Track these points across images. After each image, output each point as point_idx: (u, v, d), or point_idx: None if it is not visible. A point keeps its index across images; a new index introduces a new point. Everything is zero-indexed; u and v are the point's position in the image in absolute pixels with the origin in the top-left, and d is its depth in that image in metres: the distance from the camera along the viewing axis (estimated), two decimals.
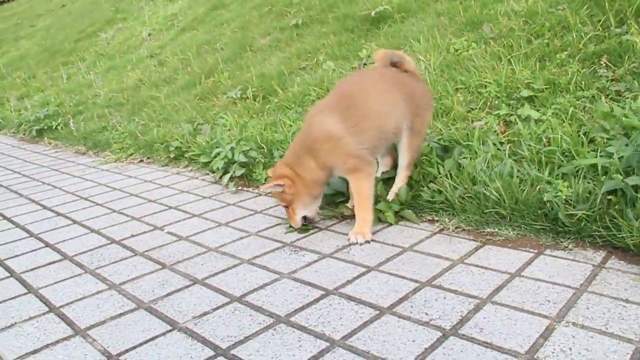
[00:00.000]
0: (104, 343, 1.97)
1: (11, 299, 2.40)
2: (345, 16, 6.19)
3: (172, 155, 4.74)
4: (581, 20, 4.06)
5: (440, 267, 2.32)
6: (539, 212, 2.53)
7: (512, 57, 3.96)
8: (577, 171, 2.63)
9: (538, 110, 3.36)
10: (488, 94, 3.70)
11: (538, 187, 2.58)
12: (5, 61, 12.71)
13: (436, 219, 2.82)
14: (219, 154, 3.97)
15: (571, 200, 2.45)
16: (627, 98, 3.17)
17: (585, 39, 3.82)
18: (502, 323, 1.85)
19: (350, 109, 2.76)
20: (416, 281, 2.22)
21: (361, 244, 2.65)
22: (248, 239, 2.87)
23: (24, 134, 7.23)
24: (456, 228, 2.70)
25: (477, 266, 2.30)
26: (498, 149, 3.05)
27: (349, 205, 3.02)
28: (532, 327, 1.81)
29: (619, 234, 2.25)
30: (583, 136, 2.90)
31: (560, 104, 3.31)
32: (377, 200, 2.90)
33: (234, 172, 3.84)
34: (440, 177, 2.93)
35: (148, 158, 5.02)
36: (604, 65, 3.55)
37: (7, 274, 2.67)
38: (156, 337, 1.98)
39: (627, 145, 2.55)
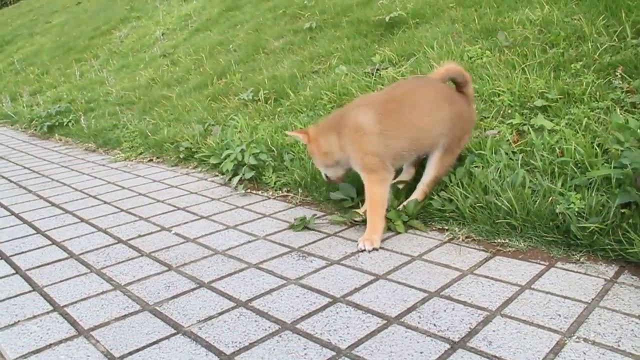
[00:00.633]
0: (107, 345, 1.95)
1: (16, 296, 2.38)
2: (359, 21, 6.16)
3: (181, 156, 4.73)
4: (597, 31, 4.02)
5: (449, 277, 2.29)
6: (550, 223, 2.50)
7: (526, 66, 3.93)
8: (591, 183, 2.60)
9: (552, 121, 3.32)
10: (501, 103, 3.67)
11: (550, 198, 2.55)
12: (20, 56, 12.77)
13: (446, 228, 2.79)
14: (229, 155, 3.95)
15: (584, 213, 2.42)
16: None
17: (601, 50, 3.78)
18: (511, 336, 1.82)
19: (392, 113, 2.79)
20: (425, 291, 2.19)
21: (369, 251, 2.62)
22: (256, 243, 2.84)
23: (35, 130, 7.25)
24: (466, 238, 2.67)
25: (487, 277, 2.26)
26: (510, 158, 3.01)
27: (359, 211, 3.00)
28: (542, 342, 1.77)
29: (631, 248, 2.21)
30: (597, 148, 2.86)
31: (575, 115, 3.27)
32: (387, 209, 2.88)
33: (243, 174, 3.82)
34: (452, 185, 2.90)
35: (158, 158, 5.02)
36: (620, 76, 3.50)
37: (13, 271, 2.66)
38: (160, 340, 1.96)
39: None
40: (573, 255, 2.37)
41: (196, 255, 2.73)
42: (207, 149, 4.43)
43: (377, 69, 4.81)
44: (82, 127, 6.45)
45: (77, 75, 9.22)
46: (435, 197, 2.92)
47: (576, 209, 2.42)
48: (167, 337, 1.97)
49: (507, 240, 2.56)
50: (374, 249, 2.64)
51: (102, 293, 2.37)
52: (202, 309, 2.17)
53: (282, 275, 2.43)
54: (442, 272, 2.34)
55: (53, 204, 3.79)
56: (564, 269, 2.28)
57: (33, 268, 2.68)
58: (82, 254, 2.84)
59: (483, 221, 2.68)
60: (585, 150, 2.82)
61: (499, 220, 2.62)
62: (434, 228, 2.84)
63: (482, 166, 2.98)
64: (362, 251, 2.63)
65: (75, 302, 2.30)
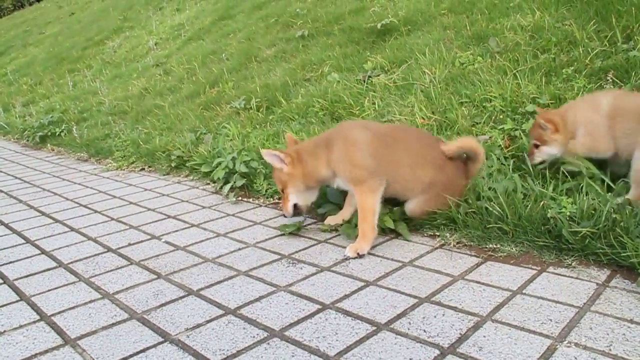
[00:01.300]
0: (94, 354, 1.92)
1: (2, 306, 2.35)
2: (351, 28, 6.16)
3: (173, 164, 4.71)
4: (588, 36, 4.02)
5: (440, 282, 2.27)
6: (542, 228, 2.48)
7: (517, 71, 3.93)
8: (582, 187, 2.59)
9: None
10: (493, 108, 3.66)
11: (542, 202, 2.53)
12: (13, 67, 12.76)
13: (437, 234, 2.77)
14: (220, 163, 3.93)
15: (575, 217, 2.40)
16: None
17: (592, 55, 3.78)
18: (502, 342, 1.80)
19: (385, 145, 2.80)
20: (415, 297, 2.16)
21: (353, 258, 2.61)
22: (246, 250, 2.82)
23: (27, 140, 7.23)
24: (457, 243, 2.65)
25: (478, 282, 2.24)
26: (502, 163, 3.00)
27: (329, 222, 3.05)
28: (533, 347, 1.75)
29: (624, 252, 2.20)
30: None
31: None
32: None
33: (234, 182, 3.80)
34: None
35: (149, 167, 4.99)
36: (611, 80, 3.51)
37: (0, 281, 2.63)
38: (147, 348, 1.93)
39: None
40: (565, 259, 2.36)
41: (186, 263, 2.70)
42: (198, 158, 4.41)
43: (369, 76, 4.80)
44: (74, 137, 6.43)
45: (70, 85, 9.20)
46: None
47: (568, 213, 2.41)
48: (154, 346, 1.95)
49: (498, 245, 2.54)
50: (359, 256, 2.63)
51: (90, 302, 2.34)
52: (190, 316, 2.15)
53: (271, 282, 2.41)
54: (433, 278, 2.32)
55: (43, 214, 3.75)
56: (555, 274, 2.26)
57: (21, 278, 2.65)
58: (71, 262, 2.81)
59: (474, 226, 2.66)
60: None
61: (491, 225, 2.61)
62: (425, 234, 2.82)
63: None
64: (348, 258, 2.61)
65: (63, 311, 2.27)
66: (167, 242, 3.02)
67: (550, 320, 1.91)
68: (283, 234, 3.00)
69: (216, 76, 6.59)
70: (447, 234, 2.72)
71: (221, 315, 2.14)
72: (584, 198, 2.46)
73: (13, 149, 7.00)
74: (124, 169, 5.06)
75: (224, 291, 2.35)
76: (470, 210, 2.72)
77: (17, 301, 2.39)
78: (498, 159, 3.03)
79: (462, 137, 3.03)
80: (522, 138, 3.23)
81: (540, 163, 2.95)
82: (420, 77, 4.41)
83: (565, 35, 4.16)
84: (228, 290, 2.36)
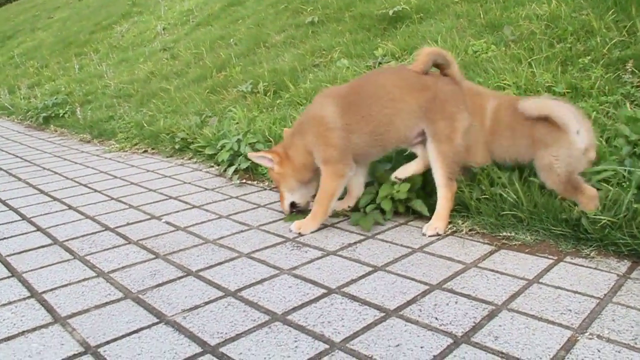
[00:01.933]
0: (84, 333, 1.81)
1: None
2: (362, 15, 6.04)
3: (177, 147, 4.60)
4: (606, 26, 3.90)
5: (451, 270, 2.16)
6: (559, 216, 2.37)
7: (532, 60, 3.81)
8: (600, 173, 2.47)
9: None
10: None
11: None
12: (21, 51, 12.67)
13: (449, 220, 2.65)
14: (224, 145, 3.82)
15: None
16: None
17: (610, 44, 3.66)
18: (519, 332, 1.68)
19: (352, 106, 2.64)
20: (426, 283, 2.05)
21: (294, 236, 2.62)
22: (249, 233, 2.71)
23: (31, 121, 7.15)
24: (470, 230, 2.54)
25: (492, 271, 2.13)
26: None
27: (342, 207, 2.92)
28: (553, 338, 1.64)
29: None
30: (605, 142, 2.73)
31: (583, 109, 3.14)
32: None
33: (239, 164, 3.69)
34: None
35: (153, 149, 4.89)
36: (630, 71, 3.38)
37: None
38: (141, 329, 1.82)
39: None
40: (583, 249, 2.24)
41: (186, 244, 2.59)
42: (203, 140, 4.30)
43: (380, 63, 4.68)
44: (77, 119, 6.33)
45: (77, 68, 9.10)
46: None
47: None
48: (149, 327, 1.84)
49: (512, 234, 2.42)
50: (300, 235, 2.62)
51: (84, 280, 2.24)
52: (187, 297, 2.04)
53: (274, 265, 2.30)
54: (444, 265, 2.21)
55: (42, 192, 3.65)
56: (573, 264, 2.14)
57: (14, 254, 2.55)
58: (67, 240, 2.70)
59: (488, 214, 2.55)
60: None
61: (505, 213, 2.49)
62: None
63: None
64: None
65: (55, 288, 2.16)
66: (167, 223, 2.92)
67: (570, 310, 1.80)
68: (286, 217, 2.89)
69: (224, 61, 6.48)
70: (459, 221, 2.60)
71: (220, 297, 2.03)
72: (606, 187, 2.34)
73: (16, 129, 6.91)
74: (126, 151, 4.96)
75: (224, 273, 2.24)
76: (483, 196, 2.60)
77: (8, 277, 2.29)
78: None
79: (423, 49, 2.71)
80: None
81: None
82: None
83: (582, 25, 4.03)
84: (229, 271, 2.25)
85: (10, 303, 2.05)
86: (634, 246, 2.14)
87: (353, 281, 2.10)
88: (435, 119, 2.58)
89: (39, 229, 2.90)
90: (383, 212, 2.75)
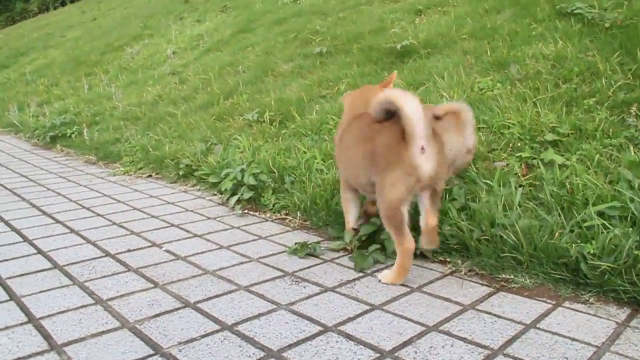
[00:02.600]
0: None
1: None
2: (371, 48, 6.10)
3: (181, 173, 4.63)
4: (611, 68, 3.93)
5: (449, 311, 2.16)
6: (558, 260, 2.37)
7: (537, 99, 3.83)
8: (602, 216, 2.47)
9: (562, 155, 3.20)
10: (511, 135, 3.56)
11: (557, 233, 2.42)
12: (32, 68, 12.80)
13: (448, 260, 2.66)
14: (228, 174, 3.85)
15: (595, 251, 2.29)
16: None
17: (615, 87, 3.69)
18: None
19: (343, 137, 2.80)
20: (423, 324, 2.05)
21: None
22: (248, 265, 2.72)
23: (38, 139, 7.19)
24: (469, 271, 2.54)
25: (490, 314, 2.13)
26: (522, 192, 2.89)
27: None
28: None
29: None
30: (608, 185, 2.74)
31: (586, 151, 3.16)
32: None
33: (242, 194, 3.70)
34: (455, 220, 2.76)
35: (157, 173, 4.91)
36: (634, 114, 3.40)
37: None
38: None
39: None
40: (582, 295, 2.24)
41: (185, 274, 2.60)
42: (207, 167, 4.32)
43: None
44: (84, 139, 6.38)
45: (86, 88, 9.18)
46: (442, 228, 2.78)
47: (591, 251, 2.29)
48: (144, 358, 1.84)
49: (512, 276, 2.43)
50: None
51: (82, 307, 2.24)
52: (184, 329, 2.04)
53: (272, 299, 2.30)
54: (442, 306, 2.21)
55: (45, 213, 3.67)
56: (572, 309, 2.14)
57: (14, 277, 2.56)
58: (67, 265, 2.71)
59: (488, 255, 2.55)
60: (596, 186, 2.69)
61: (505, 255, 2.49)
62: (435, 259, 2.71)
63: (489, 198, 2.85)
64: (354, 279, 2.50)
65: (53, 314, 2.17)
66: (167, 251, 2.92)
67: (566, 358, 1.79)
68: (294, 251, 2.87)
69: (231, 88, 6.53)
70: (459, 261, 2.61)
71: (217, 331, 2.03)
72: (605, 232, 2.34)
73: (23, 147, 6.96)
74: (131, 174, 4.99)
75: (222, 305, 2.25)
76: (483, 237, 2.61)
77: (6, 301, 2.30)
78: (515, 187, 2.92)
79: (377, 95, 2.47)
80: (540, 167, 3.12)
81: None
82: (437, 100, 4.31)
83: (588, 66, 4.07)
84: (226, 304, 2.26)
85: (7, 328, 2.06)
86: (633, 293, 2.14)
87: (350, 319, 2.10)
88: (373, 172, 2.47)
89: (39, 251, 2.91)
90: (384, 248, 2.75)
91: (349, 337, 1.97)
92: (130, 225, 3.40)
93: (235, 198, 3.71)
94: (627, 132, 3.28)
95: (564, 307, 2.17)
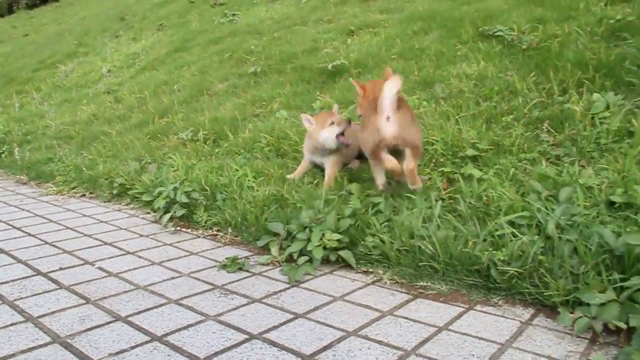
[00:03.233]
0: None
1: None
2: (303, 67, 6.27)
3: (115, 192, 4.64)
4: (528, 87, 4.20)
5: (368, 317, 2.29)
6: (472, 267, 2.54)
7: (460, 117, 4.05)
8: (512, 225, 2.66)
9: (481, 170, 3.40)
10: (434, 152, 3.75)
11: (470, 242, 2.59)
12: None
13: (371, 270, 2.80)
14: (161, 192, 3.90)
15: (504, 257, 2.46)
16: (566, 163, 3.25)
17: (530, 105, 3.94)
18: None
19: None
20: (343, 330, 2.17)
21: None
22: (179, 279, 2.79)
23: None
24: (390, 280, 2.68)
25: (406, 318, 2.27)
26: (442, 205, 3.06)
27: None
28: None
29: (547, 292, 2.27)
30: (519, 196, 2.94)
31: (503, 165, 3.37)
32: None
33: (174, 212, 3.77)
34: (378, 232, 2.91)
35: (91, 193, 4.91)
36: (546, 130, 3.65)
37: None
38: None
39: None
40: (492, 298, 2.41)
41: (117, 290, 2.65)
42: (140, 186, 4.36)
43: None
44: (15, 159, 6.28)
45: (17, 106, 9.02)
46: (362, 241, 2.92)
47: (501, 257, 2.46)
48: None
49: (429, 283, 2.58)
50: None
51: (12, 325, 2.27)
52: (115, 342, 2.11)
53: (201, 311, 2.38)
54: (362, 313, 2.34)
55: None
56: (482, 312, 2.31)
57: None
58: None
59: (407, 264, 2.70)
60: (509, 198, 2.88)
61: (423, 264, 2.65)
62: (359, 270, 2.84)
63: (411, 211, 3.01)
64: (280, 291, 2.61)
65: None
66: (100, 268, 2.96)
67: (472, 355, 1.95)
68: (224, 266, 2.95)
69: (166, 107, 6.58)
70: (380, 271, 2.75)
71: (147, 342, 2.10)
72: (514, 240, 2.52)
73: None
74: (64, 194, 4.96)
75: (152, 318, 2.32)
76: (403, 247, 2.76)
77: None
78: (436, 200, 3.09)
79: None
80: (459, 181, 3.31)
81: None
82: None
83: (507, 85, 4.33)
84: (157, 317, 2.33)
85: None
86: (537, 295, 2.32)
87: (274, 327, 2.21)
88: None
89: None
90: (312, 260, 2.87)
91: (273, 343, 2.07)
92: (62, 244, 3.42)
93: (168, 216, 3.77)
94: (540, 147, 3.52)
95: (475, 310, 2.33)
